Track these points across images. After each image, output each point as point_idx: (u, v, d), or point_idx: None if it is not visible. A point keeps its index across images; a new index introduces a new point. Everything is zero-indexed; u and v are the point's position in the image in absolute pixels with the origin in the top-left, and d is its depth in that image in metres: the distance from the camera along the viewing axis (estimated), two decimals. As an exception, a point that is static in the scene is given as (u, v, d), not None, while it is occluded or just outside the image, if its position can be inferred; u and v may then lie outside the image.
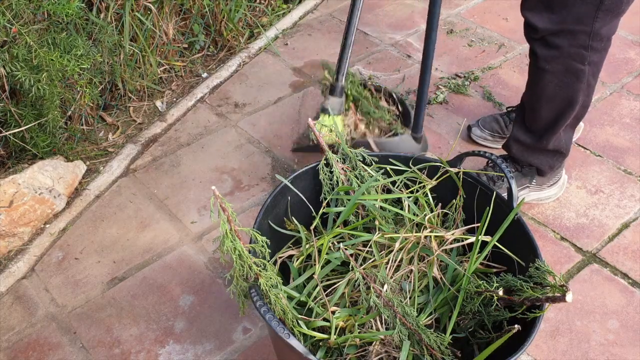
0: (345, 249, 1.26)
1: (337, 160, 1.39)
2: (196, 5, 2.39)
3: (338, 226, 1.36)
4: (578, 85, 1.54)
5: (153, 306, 1.63)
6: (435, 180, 1.40)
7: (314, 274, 1.26)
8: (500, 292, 1.15)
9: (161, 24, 2.28)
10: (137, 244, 1.79)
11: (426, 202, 1.40)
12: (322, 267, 1.30)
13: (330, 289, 1.28)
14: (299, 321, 1.19)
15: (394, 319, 1.18)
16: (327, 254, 1.30)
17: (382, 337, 1.18)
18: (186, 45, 2.47)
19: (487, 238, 1.31)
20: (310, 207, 1.40)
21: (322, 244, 1.31)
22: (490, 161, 1.36)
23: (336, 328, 1.21)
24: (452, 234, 1.32)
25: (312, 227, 1.37)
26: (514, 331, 1.09)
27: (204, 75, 2.42)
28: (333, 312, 1.22)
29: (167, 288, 1.67)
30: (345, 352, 1.20)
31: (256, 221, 1.27)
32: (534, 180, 1.80)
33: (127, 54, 2.16)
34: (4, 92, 1.78)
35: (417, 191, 1.40)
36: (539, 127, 1.68)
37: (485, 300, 1.20)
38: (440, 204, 1.41)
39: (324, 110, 1.76)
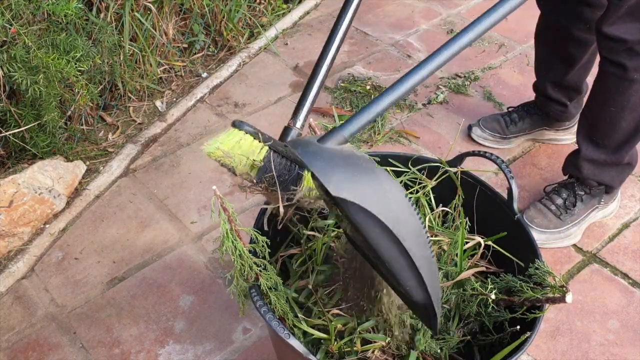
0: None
1: None
2: (196, 5, 2.39)
3: (336, 225, 1.36)
4: None
5: (153, 306, 1.63)
6: (435, 180, 1.40)
7: (312, 275, 1.26)
8: (493, 296, 1.15)
9: (161, 24, 2.28)
10: (137, 244, 1.79)
11: (427, 202, 1.40)
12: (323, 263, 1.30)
13: (331, 289, 1.28)
14: (298, 314, 1.18)
15: (397, 326, 1.18)
16: (325, 258, 1.30)
17: (384, 343, 1.18)
18: (186, 45, 2.47)
19: (480, 239, 1.31)
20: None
21: (321, 244, 1.31)
22: (490, 160, 1.36)
23: (335, 330, 1.21)
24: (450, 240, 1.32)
25: (309, 227, 1.37)
26: (525, 337, 1.09)
27: (204, 75, 2.42)
28: (334, 315, 1.22)
29: (167, 288, 1.67)
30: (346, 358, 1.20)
31: (256, 221, 1.27)
32: (602, 200, 1.78)
33: (127, 54, 2.16)
34: (4, 93, 1.78)
35: (417, 192, 1.40)
36: (616, 141, 1.64)
37: (484, 301, 1.20)
38: (440, 204, 1.41)
39: (236, 125, 1.14)
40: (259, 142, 1.10)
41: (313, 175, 0.86)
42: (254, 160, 1.11)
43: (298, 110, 1.20)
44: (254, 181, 1.10)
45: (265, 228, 1.26)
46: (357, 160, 0.87)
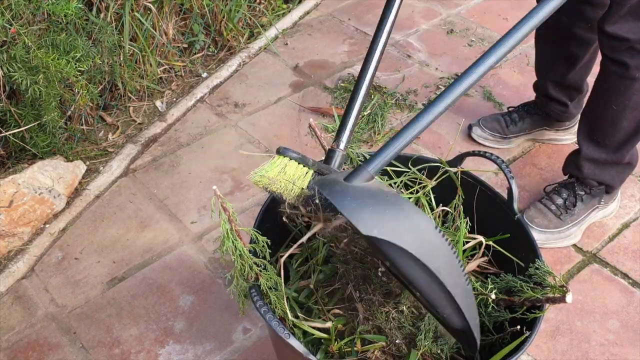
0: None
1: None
2: (196, 5, 2.39)
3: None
4: None
5: (153, 306, 1.63)
6: (435, 180, 1.40)
7: (313, 275, 1.26)
8: (493, 296, 1.15)
9: (161, 24, 2.28)
10: (137, 244, 1.79)
11: (427, 202, 1.40)
12: (323, 263, 1.30)
13: (332, 288, 1.28)
14: (298, 315, 1.18)
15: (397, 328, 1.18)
16: (325, 258, 1.30)
17: (384, 343, 1.18)
18: (186, 45, 2.47)
19: (482, 238, 1.31)
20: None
21: (322, 244, 1.31)
22: (491, 160, 1.36)
23: (335, 330, 1.21)
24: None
25: (311, 227, 1.37)
26: (524, 337, 1.09)
27: (204, 75, 2.42)
28: (335, 315, 1.22)
29: (167, 288, 1.67)
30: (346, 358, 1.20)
31: (256, 221, 1.27)
32: (602, 200, 1.78)
33: (127, 54, 2.16)
34: (4, 93, 1.78)
35: (418, 192, 1.40)
36: (617, 140, 1.64)
37: (484, 301, 1.20)
38: (440, 204, 1.41)
39: (280, 152, 1.16)
40: (304, 167, 1.10)
41: (342, 215, 0.86)
42: (300, 186, 1.10)
43: (341, 131, 1.17)
44: (301, 206, 1.08)
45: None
46: (384, 197, 0.88)
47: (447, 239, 0.89)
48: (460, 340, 1.07)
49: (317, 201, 1.02)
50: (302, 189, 1.08)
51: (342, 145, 1.17)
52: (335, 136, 1.19)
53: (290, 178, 1.09)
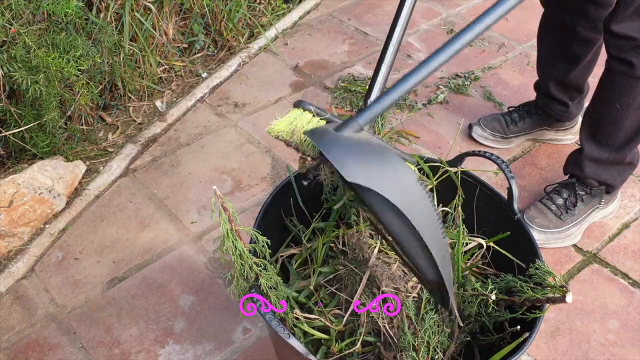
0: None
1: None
2: (196, 5, 2.39)
3: (335, 225, 1.36)
4: None
5: (153, 306, 1.63)
6: (435, 180, 1.40)
7: (313, 276, 1.26)
8: (493, 297, 1.15)
9: (161, 23, 2.28)
10: (137, 244, 1.79)
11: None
12: (324, 263, 1.30)
13: (333, 288, 1.28)
14: (299, 316, 1.18)
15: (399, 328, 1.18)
16: (324, 259, 1.30)
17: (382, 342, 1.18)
18: (186, 45, 2.47)
19: (482, 240, 1.31)
20: (312, 207, 1.40)
21: (322, 244, 1.31)
22: (491, 161, 1.36)
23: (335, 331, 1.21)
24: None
25: (311, 227, 1.37)
26: (524, 337, 1.09)
27: (204, 75, 2.42)
28: (335, 315, 1.22)
29: (167, 288, 1.67)
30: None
31: (256, 221, 1.27)
32: (603, 200, 1.78)
33: (127, 53, 2.16)
34: (4, 92, 1.78)
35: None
36: (619, 140, 1.65)
37: (484, 301, 1.20)
38: (440, 204, 1.41)
39: (298, 105, 1.19)
40: (323, 120, 1.13)
41: (328, 161, 0.89)
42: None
43: (371, 89, 1.19)
44: (315, 157, 1.12)
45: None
46: (371, 147, 0.91)
47: (428, 193, 0.91)
48: (435, 296, 1.10)
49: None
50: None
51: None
52: (365, 95, 1.17)
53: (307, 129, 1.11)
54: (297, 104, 1.14)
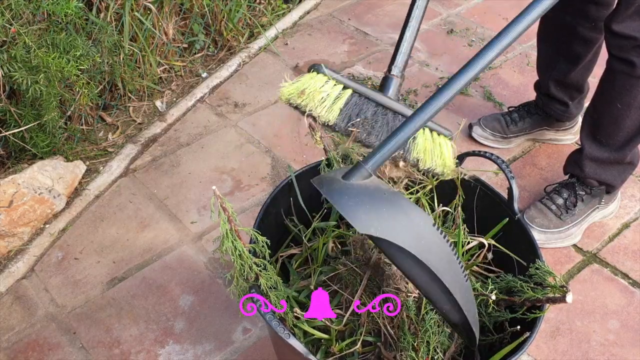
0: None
1: (339, 160, 1.38)
2: (196, 5, 2.39)
3: (336, 225, 1.36)
4: None
5: (153, 306, 1.63)
6: (436, 180, 1.39)
7: (313, 275, 1.26)
8: (493, 297, 1.15)
9: (161, 23, 2.28)
10: (137, 244, 1.79)
11: (428, 202, 1.40)
12: (324, 263, 1.30)
13: (334, 287, 1.28)
14: (299, 316, 1.18)
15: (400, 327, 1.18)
16: (325, 259, 1.30)
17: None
18: (186, 45, 2.47)
19: (483, 239, 1.31)
20: (312, 206, 1.40)
21: (322, 244, 1.31)
22: (491, 160, 1.36)
23: (336, 331, 1.21)
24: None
25: (311, 227, 1.37)
26: (524, 337, 1.09)
27: (204, 75, 2.42)
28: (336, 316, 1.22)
29: (167, 288, 1.67)
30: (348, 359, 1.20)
31: (256, 221, 1.27)
32: (603, 200, 1.78)
33: (127, 53, 2.16)
34: (4, 92, 1.78)
35: (418, 192, 1.40)
36: (620, 139, 1.65)
37: (484, 302, 1.20)
38: (441, 204, 1.41)
39: (315, 68, 1.16)
40: (340, 85, 1.06)
41: (340, 214, 0.88)
42: (334, 102, 1.05)
43: (395, 56, 1.13)
44: (334, 124, 1.06)
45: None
46: (382, 195, 0.89)
47: (445, 237, 0.89)
48: (461, 335, 1.09)
49: (356, 120, 1.02)
50: (339, 108, 1.05)
51: (396, 71, 1.12)
52: (389, 62, 1.11)
53: (325, 93, 1.06)
54: (312, 67, 1.08)
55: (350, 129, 1.08)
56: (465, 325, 0.97)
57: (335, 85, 1.05)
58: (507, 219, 1.30)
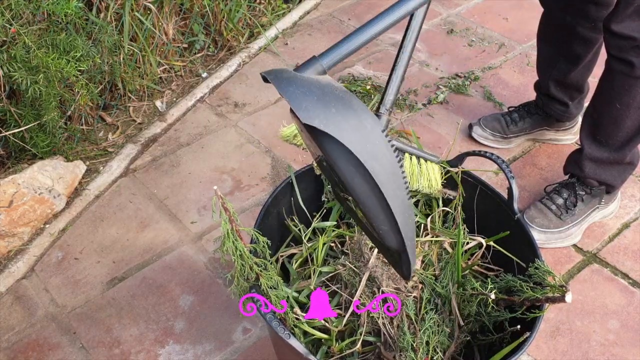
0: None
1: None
2: (196, 5, 2.39)
3: (336, 225, 1.36)
4: None
5: (153, 306, 1.63)
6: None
7: (313, 275, 1.26)
8: (492, 296, 1.15)
9: (161, 23, 2.28)
10: (137, 244, 1.79)
11: (428, 202, 1.40)
12: (323, 263, 1.30)
13: (333, 287, 1.28)
14: (299, 316, 1.18)
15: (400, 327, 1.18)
16: (325, 259, 1.30)
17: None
18: (186, 45, 2.47)
19: (482, 239, 1.31)
20: (312, 207, 1.40)
21: (322, 244, 1.31)
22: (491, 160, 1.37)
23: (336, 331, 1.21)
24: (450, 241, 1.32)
25: (311, 227, 1.37)
26: (524, 338, 1.09)
27: (204, 75, 2.42)
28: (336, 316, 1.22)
29: (167, 288, 1.67)
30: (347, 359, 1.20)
31: (257, 221, 1.27)
32: (603, 200, 1.78)
33: (127, 53, 2.16)
34: (4, 92, 1.78)
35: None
36: (620, 139, 1.65)
37: (484, 301, 1.20)
38: (441, 204, 1.41)
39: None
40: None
41: (287, 102, 0.83)
42: None
43: (384, 95, 1.18)
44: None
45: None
46: (333, 90, 0.83)
47: (393, 146, 0.83)
48: (394, 264, 1.02)
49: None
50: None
51: (383, 110, 1.19)
52: (379, 101, 1.20)
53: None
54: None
55: None
56: (402, 251, 0.91)
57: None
58: (509, 232, 1.30)
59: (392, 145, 0.83)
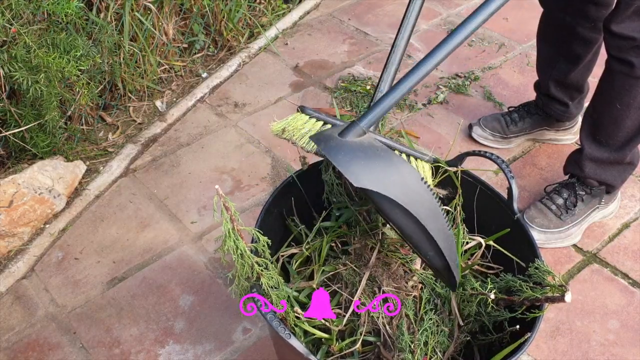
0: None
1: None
2: (196, 5, 2.39)
3: (339, 226, 1.36)
4: None
5: (153, 306, 1.63)
6: (436, 180, 1.40)
7: (316, 274, 1.26)
8: (492, 296, 1.15)
9: (161, 23, 2.28)
10: (137, 244, 1.79)
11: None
12: (325, 263, 1.30)
13: (334, 287, 1.28)
14: (300, 316, 1.18)
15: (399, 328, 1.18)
16: (325, 258, 1.30)
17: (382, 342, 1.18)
18: (186, 45, 2.47)
19: (481, 239, 1.31)
20: (313, 207, 1.40)
21: (322, 244, 1.31)
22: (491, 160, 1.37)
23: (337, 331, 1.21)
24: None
25: (316, 227, 1.37)
26: (524, 339, 1.09)
27: (204, 75, 2.42)
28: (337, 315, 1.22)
29: (167, 288, 1.67)
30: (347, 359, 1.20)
31: (258, 220, 1.27)
32: (603, 200, 1.78)
33: (127, 53, 2.16)
34: (4, 92, 1.78)
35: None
36: (620, 139, 1.65)
37: (484, 301, 1.20)
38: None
39: (300, 110, 1.26)
40: (324, 124, 1.20)
41: (335, 168, 0.99)
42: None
43: (377, 90, 1.24)
44: (315, 152, 1.19)
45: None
46: (375, 151, 0.98)
47: (430, 189, 0.98)
48: (443, 280, 1.17)
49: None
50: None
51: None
52: (373, 95, 1.26)
53: (305, 130, 1.19)
54: (300, 109, 1.22)
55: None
56: (447, 269, 1.07)
57: (316, 122, 1.20)
58: (509, 229, 1.30)
59: (431, 190, 0.99)
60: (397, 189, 0.95)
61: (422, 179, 0.98)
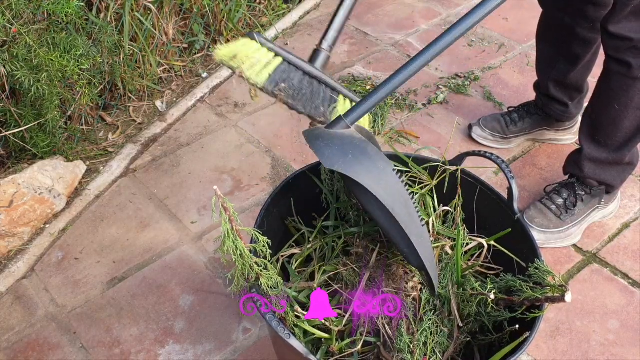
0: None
1: None
2: (196, 5, 2.39)
3: (338, 227, 1.36)
4: None
5: (153, 306, 1.63)
6: (436, 180, 1.40)
7: (317, 274, 1.26)
8: (492, 296, 1.15)
9: (161, 23, 2.28)
10: (137, 244, 1.79)
11: (429, 202, 1.40)
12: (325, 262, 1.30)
13: (333, 288, 1.28)
14: (299, 315, 1.19)
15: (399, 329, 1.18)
16: (325, 258, 1.30)
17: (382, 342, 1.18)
18: (186, 45, 2.47)
19: (483, 240, 1.31)
20: (313, 207, 1.40)
21: (322, 245, 1.31)
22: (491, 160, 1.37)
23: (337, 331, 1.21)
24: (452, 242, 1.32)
25: (318, 227, 1.37)
26: (524, 338, 1.09)
27: (204, 75, 2.42)
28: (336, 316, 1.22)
29: (167, 288, 1.67)
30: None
31: (257, 221, 1.27)
32: (603, 200, 1.78)
33: (127, 54, 2.16)
34: (4, 92, 1.78)
35: (418, 191, 1.40)
36: (618, 140, 1.65)
37: (484, 301, 1.20)
38: (441, 204, 1.41)
39: (250, 35, 1.19)
40: (273, 53, 1.16)
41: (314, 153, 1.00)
42: (264, 67, 1.15)
43: (327, 32, 1.25)
44: (262, 87, 1.16)
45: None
46: (352, 140, 1.02)
47: (403, 182, 1.00)
48: (425, 282, 1.19)
49: (282, 85, 1.16)
50: (269, 73, 1.15)
51: (325, 45, 1.25)
52: (321, 37, 1.24)
53: (257, 59, 1.15)
54: (248, 34, 1.17)
55: (276, 92, 1.19)
56: (423, 270, 1.07)
57: (267, 52, 1.15)
58: (510, 229, 1.30)
59: (403, 181, 1.00)
60: (369, 176, 0.97)
61: (395, 171, 1.00)
